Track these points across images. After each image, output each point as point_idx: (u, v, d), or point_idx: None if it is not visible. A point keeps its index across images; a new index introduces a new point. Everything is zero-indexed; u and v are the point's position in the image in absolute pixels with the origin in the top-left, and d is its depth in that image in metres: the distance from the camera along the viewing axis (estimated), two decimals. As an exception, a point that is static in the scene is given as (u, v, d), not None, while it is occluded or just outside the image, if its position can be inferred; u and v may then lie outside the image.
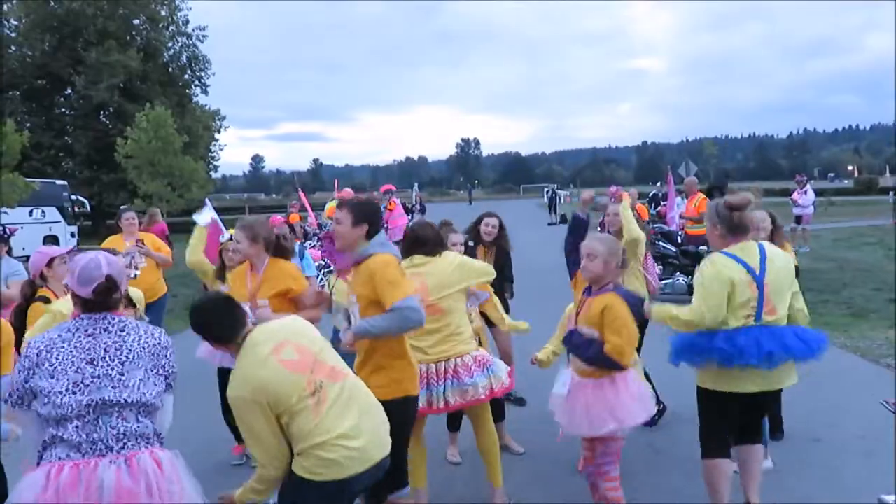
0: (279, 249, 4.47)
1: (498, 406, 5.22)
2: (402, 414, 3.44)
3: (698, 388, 3.84)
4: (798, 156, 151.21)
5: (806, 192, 17.03)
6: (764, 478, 4.17)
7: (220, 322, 2.86)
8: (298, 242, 10.09)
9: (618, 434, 3.61)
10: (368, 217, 3.53)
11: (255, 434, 2.75)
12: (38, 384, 2.50)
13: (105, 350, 2.55)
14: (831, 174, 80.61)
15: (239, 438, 5.21)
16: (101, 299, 2.60)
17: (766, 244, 3.83)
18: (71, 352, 2.52)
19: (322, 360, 2.87)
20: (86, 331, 2.57)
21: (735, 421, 3.84)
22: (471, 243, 5.80)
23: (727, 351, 3.55)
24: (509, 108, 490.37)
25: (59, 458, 2.44)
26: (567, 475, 4.77)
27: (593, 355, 3.56)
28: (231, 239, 5.10)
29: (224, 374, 5.11)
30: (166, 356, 2.70)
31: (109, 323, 2.61)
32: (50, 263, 4.54)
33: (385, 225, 16.24)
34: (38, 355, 2.53)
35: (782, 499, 4.24)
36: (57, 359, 2.51)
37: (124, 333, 2.61)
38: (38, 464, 2.50)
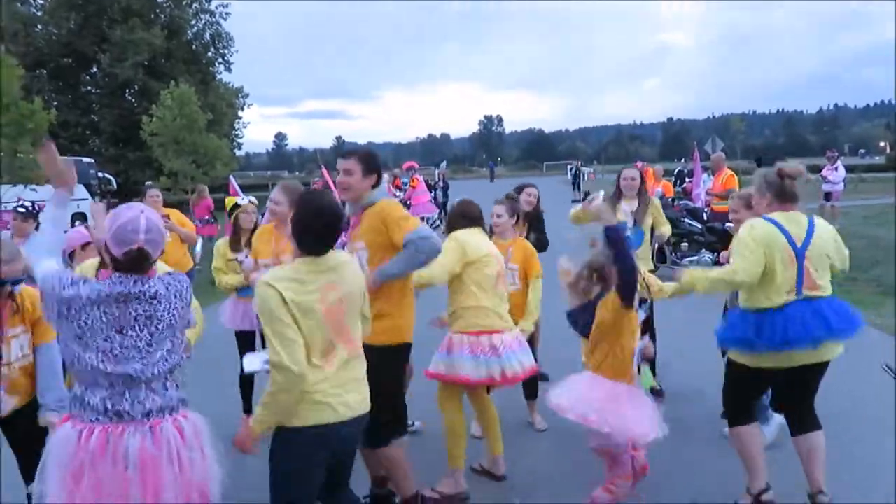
0: None
1: (532, 384, 5.25)
2: (398, 359, 3.58)
3: (730, 360, 3.82)
4: (828, 131, 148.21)
5: (836, 169, 16.71)
6: (785, 452, 4.14)
7: (320, 228, 2.86)
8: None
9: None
10: (378, 168, 3.66)
11: (281, 325, 2.72)
12: (66, 338, 2.53)
13: (135, 319, 2.54)
14: (862, 150, 78.93)
15: (248, 410, 5.31)
16: (130, 266, 2.56)
17: (818, 219, 3.75)
18: (100, 317, 2.50)
19: (347, 322, 2.93)
20: (116, 298, 2.51)
21: (764, 390, 3.82)
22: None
23: (777, 343, 3.52)
24: (532, 84, 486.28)
25: (90, 421, 2.51)
26: (583, 453, 4.77)
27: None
28: (249, 202, 5.36)
29: (241, 337, 5.24)
30: (189, 311, 2.75)
31: (140, 291, 2.55)
32: (85, 246, 4.61)
33: (408, 202, 16.26)
34: (68, 309, 2.50)
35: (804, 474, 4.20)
36: (86, 322, 2.49)
37: (155, 301, 2.57)
38: (70, 411, 2.58)
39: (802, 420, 3.81)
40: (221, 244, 5.32)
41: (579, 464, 4.61)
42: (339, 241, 3.51)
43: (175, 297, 2.65)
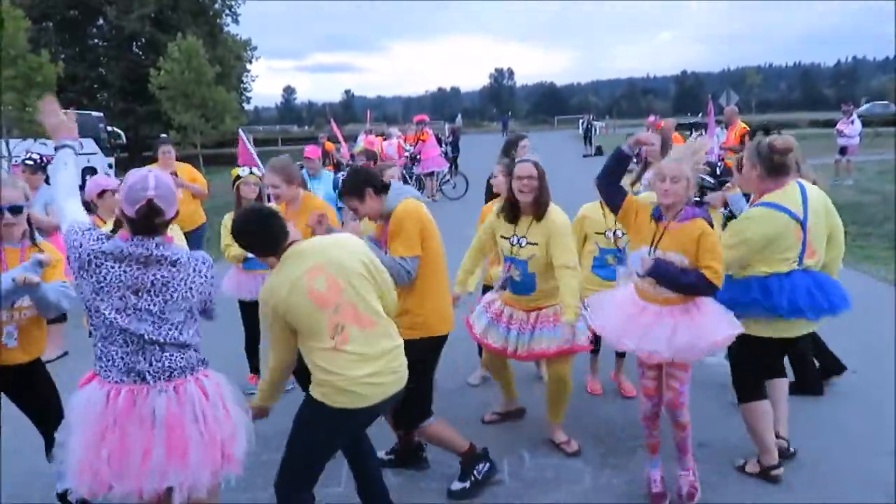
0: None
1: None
2: (421, 352, 3.54)
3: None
4: (846, 85, 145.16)
5: (852, 122, 16.40)
6: (801, 410, 4.18)
7: (262, 234, 2.88)
8: (331, 170, 10.09)
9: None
10: (363, 182, 3.57)
11: (272, 335, 2.93)
12: (86, 291, 2.57)
13: (152, 283, 2.57)
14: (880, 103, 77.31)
15: (254, 369, 5.37)
16: (144, 222, 2.57)
17: (805, 183, 3.73)
18: (119, 275, 2.53)
19: (350, 300, 2.86)
20: (138, 259, 2.55)
21: (771, 362, 3.85)
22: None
23: (787, 310, 3.54)
24: (544, 36, 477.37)
25: (116, 381, 2.56)
26: (588, 405, 4.84)
27: (692, 282, 3.33)
28: (251, 173, 5.22)
29: (245, 307, 5.24)
30: (209, 293, 2.76)
31: (162, 255, 2.58)
32: (101, 194, 4.67)
33: (417, 155, 16.16)
34: (88, 261, 2.54)
35: (819, 431, 4.24)
36: (105, 277, 2.53)
37: (174, 269, 2.60)
38: (95, 370, 2.62)
39: (772, 369, 3.94)
40: (227, 218, 5.18)
41: (586, 412, 4.68)
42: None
43: (194, 271, 2.66)
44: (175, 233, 3.96)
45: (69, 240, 2.59)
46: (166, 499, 2.66)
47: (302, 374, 4.26)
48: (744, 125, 11.63)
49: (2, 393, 3.48)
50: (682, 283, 3.36)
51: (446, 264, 3.78)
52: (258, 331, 5.27)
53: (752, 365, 3.78)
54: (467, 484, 3.75)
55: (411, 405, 3.53)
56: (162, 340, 2.59)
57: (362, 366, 2.84)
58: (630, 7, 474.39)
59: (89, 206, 4.53)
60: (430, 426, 3.73)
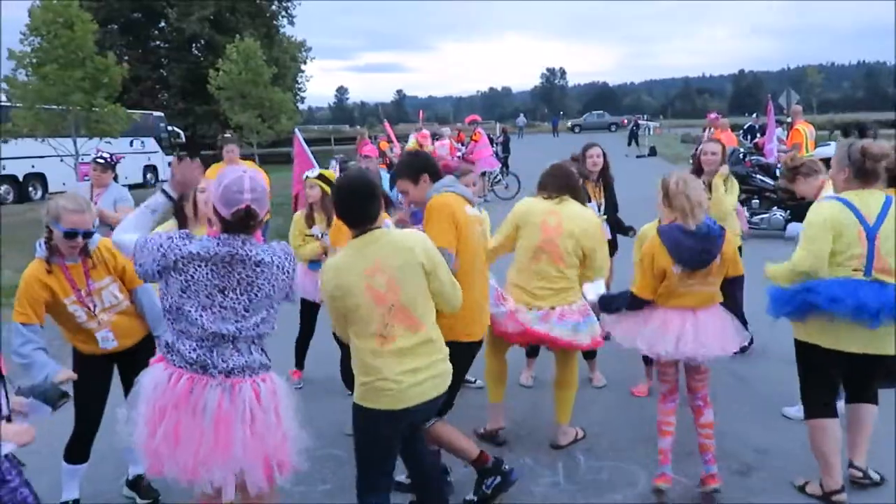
0: None
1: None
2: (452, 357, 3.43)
3: (796, 340, 3.69)
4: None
5: (921, 123, 15.80)
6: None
7: (360, 202, 2.91)
8: (384, 168, 10.19)
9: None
10: (421, 167, 3.57)
11: (334, 315, 2.99)
12: (172, 287, 2.64)
13: (238, 282, 2.64)
14: (949, 104, 74.15)
15: (299, 365, 5.45)
16: (238, 225, 2.64)
17: None
18: (206, 274, 2.61)
19: (405, 303, 2.87)
20: (223, 258, 2.61)
21: (837, 379, 3.66)
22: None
23: (819, 302, 3.38)
24: (597, 34, 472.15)
25: (180, 367, 2.66)
26: (641, 407, 4.81)
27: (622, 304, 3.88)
28: (318, 175, 5.25)
29: (305, 305, 5.30)
30: (290, 286, 2.83)
31: (246, 254, 2.64)
32: None
33: (469, 156, 16.16)
34: (175, 262, 2.61)
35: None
36: (192, 276, 2.61)
37: (258, 269, 2.66)
38: (165, 350, 2.71)
39: (856, 391, 3.72)
40: (298, 216, 5.33)
41: (635, 414, 4.69)
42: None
43: (277, 268, 2.72)
44: None
45: (148, 246, 2.65)
46: (218, 495, 2.71)
47: (350, 377, 4.33)
48: (799, 126, 11.39)
49: (114, 370, 3.66)
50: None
51: (484, 267, 3.67)
52: (312, 330, 5.41)
53: (810, 377, 3.65)
54: (475, 498, 3.66)
55: None
56: (241, 336, 2.66)
57: (402, 364, 2.86)
58: (682, 7, 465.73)
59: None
60: (431, 427, 3.50)
